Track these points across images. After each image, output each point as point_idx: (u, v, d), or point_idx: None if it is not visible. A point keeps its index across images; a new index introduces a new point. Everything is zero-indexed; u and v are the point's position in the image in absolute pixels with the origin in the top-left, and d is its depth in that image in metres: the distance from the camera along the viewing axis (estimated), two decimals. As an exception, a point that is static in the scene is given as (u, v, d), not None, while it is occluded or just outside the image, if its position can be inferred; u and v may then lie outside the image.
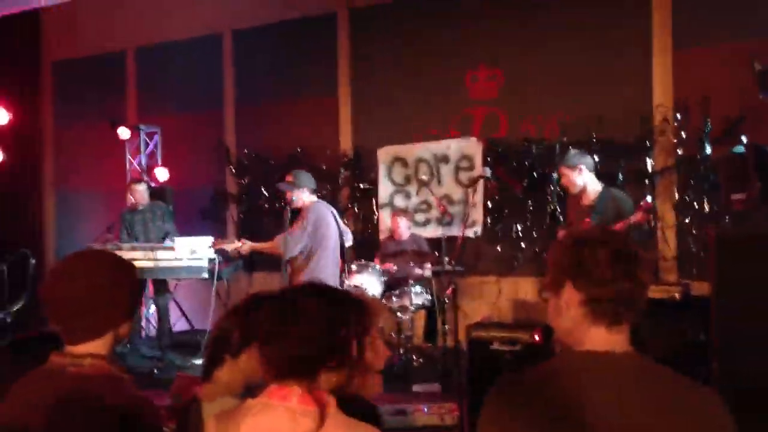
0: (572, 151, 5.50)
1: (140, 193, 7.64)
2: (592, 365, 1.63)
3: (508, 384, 1.71)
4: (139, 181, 7.81)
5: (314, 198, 5.68)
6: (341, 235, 5.74)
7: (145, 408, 1.90)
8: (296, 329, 1.62)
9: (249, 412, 1.63)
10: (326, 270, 5.51)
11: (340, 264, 5.81)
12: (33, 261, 7.99)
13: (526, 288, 7.20)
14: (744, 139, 6.05)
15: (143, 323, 8.63)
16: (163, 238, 7.53)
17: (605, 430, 1.53)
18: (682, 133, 6.57)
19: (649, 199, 5.02)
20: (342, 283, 5.91)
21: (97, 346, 1.93)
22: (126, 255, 6.97)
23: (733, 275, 3.83)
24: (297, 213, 5.71)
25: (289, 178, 5.65)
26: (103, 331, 1.94)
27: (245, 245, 5.72)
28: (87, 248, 6.93)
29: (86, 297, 1.91)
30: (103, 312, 1.93)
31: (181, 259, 7.05)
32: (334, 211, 5.79)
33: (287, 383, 1.62)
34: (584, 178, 5.31)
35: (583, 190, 5.34)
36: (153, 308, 8.20)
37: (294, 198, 5.58)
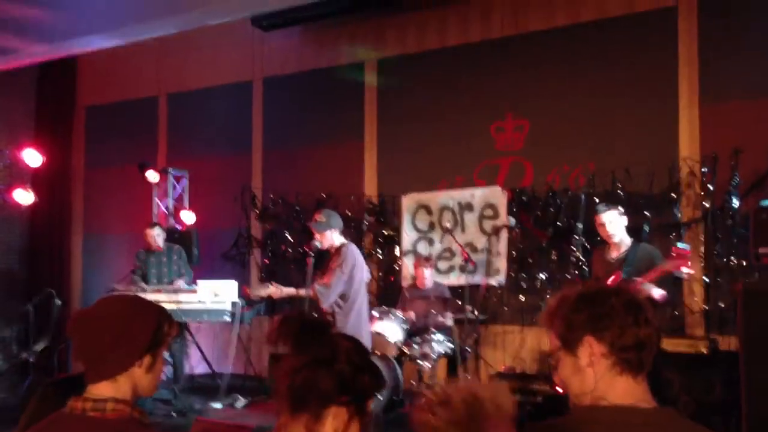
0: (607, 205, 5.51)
1: (154, 237, 7.72)
2: (624, 419, 1.61)
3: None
4: (153, 225, 7.88)
5: (343, 239, 5.47)
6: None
7: None
8: (322, 351, 1.63)
9: None
10: (364, 314, 5.41)
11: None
12: (58, 302, 8.08)
13: (549, 339, 7.09)
14: (772, 192, 6.01)
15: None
16: (179, 278, 7.60)
17: None
18: (710, 185, 6.52)
19: (680, 245, 4.95)
20: None
21: (119, 388, 1.93)
22: (149, 297, 7.09)
23: (761, 329, 3.75)
24: (321, 258, 5.66)
25: (319, 217, 5.42)
26: (122, 369, 1.94)
27: (281, 290, 5.45)
28: (113, 292, 7.03)
29: (101, 338, 1.93)
30: (120, 352, 1.93)
31: (203, 302, 7.08)
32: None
33: (294, 416, 1.61)
34: (623, 229, 5.35)
35: (617, 243, 5.35)
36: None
37: (324, 239, 5.37)
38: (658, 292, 4.97)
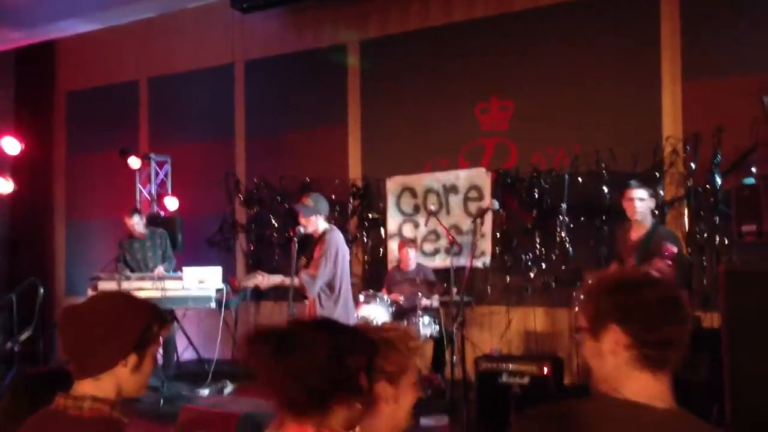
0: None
1: (133, 225, 7.67)
2: (632, 416, 1.59)
3: (541, 419, 1.69)
4: (132, 213, 7.80)
5: (327, 225, 5.41)
6: None
7: None
8: (299, 361, 1.59)
9: None
10: (350, 300, 5.40)
11: None
12: (42, 290, 8.01)
13: (535, 319, 7.13)
14: (754, 170, 6.03)
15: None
16: (161, 264, 7.56)
17: None
18: (692, 164, 6.54)
19: (672, 246, 4.90)
20: None
21: (102, 386, 1.91)
22: (134, 285, 7.10)
23: (743, 308, 3.77)
24: (305, 243, 5.63)
25: (306, 201, 5.36)
26: (106, 367, 1.91)
27: (267, 279, 5.32)
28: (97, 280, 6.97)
29: (88, 333, 1.91)
30: (105, 349, 1.90)
31: (189, 289, 7.05)
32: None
33: (300, 420, 1.59)
34: (648, 211, 5.32)
35: (639, 222, 5.31)
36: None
37: (308, 223, 5.31)
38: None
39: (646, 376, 1.61)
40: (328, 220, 5.56)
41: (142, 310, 1.99)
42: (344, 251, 5.35)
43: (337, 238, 5.34)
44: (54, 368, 2.10)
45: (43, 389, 1.95)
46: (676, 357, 1.63)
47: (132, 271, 7.63)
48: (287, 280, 5.25)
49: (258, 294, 8.10)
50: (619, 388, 1.63)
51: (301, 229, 5.30)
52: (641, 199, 5.30)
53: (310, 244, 5.51)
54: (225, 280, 7.20)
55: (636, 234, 5.32)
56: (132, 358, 1.93)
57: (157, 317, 2.00)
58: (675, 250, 4.85)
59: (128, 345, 1.92)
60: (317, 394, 1.58)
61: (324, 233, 5.32)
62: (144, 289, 7.00)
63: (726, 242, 6.30)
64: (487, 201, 6.96)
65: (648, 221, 5.35)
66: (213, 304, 7.01)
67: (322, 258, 5.17)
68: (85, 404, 1.87)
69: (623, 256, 5.37)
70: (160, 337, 2.03)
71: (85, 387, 1.90)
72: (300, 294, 5.38)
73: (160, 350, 7.92)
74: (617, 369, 1.63)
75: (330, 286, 5.23)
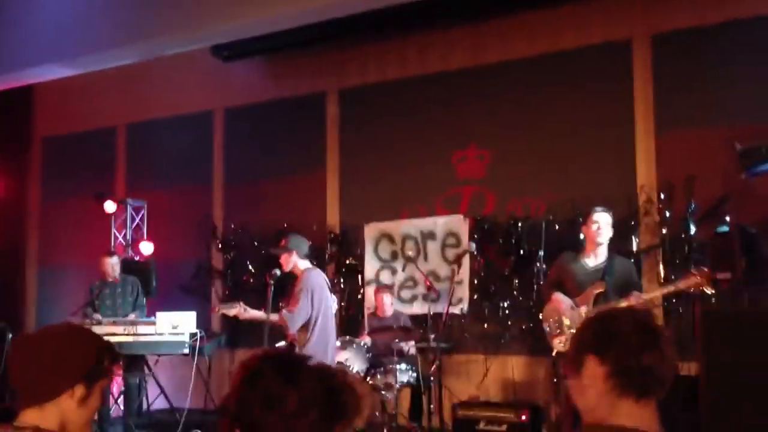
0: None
1: (111, 265, 7.54)
2: None
3: None
4: (111, 254, 7.72)
5: (308, 264, 5.51)
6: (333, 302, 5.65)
7: None
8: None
9: None
10: (328, 338, 5.36)
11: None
12: (10, 335, 7.83)
13: (513, 367, 7.08)
14: (728, 218, 6.12)
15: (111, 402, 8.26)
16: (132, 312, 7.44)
17: None
18: (667, 213, 6.63)
19: (641, 293, 5.00)
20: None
21: (46, 416, 1.85)
22: (105, 329, 6.95)
23: (720, 351, 3.78)
24: (283, 288, 5.60)
25: (283, 243, 5.51)
26: (51, 396, 1.86)
27: (247, 312, 5.42)
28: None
29: (36, 360, 1.87)
30: (51, 376, 1.86)
31: (162, 334, 6.92)
32: (326, 278, 5.70)
33: None
34: (608, 238, 5.31)
35: (598, 249, 5.30)
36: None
37: (286, 262, 5.40)
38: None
39: (629, 404, 1.61)
40: (310, 261, 5.58)
41: (93, 342, 1.96)
42: (322, 291, 5.37)
43: (314, 276, 5.39)
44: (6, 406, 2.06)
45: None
46: (658, 383, 1.62)
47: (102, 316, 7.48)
48: (271, 316, 5.28)
49: (233, 341, 7.98)
50: (607, 418, 1.62)
51: (278, 272, 5.32)
52: (606, 224, 5.30)
53: (288, 285, 5.53)
54: (199, 325, 7.09)
55: (594, 261, 5.29)
56: (79, 390, 1.88)
57: (108, 351, 1.97)
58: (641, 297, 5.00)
59: (76, 374, 1.88)
60: None
61: (303, 271, 5.38)
62: (116, 334, 6.85)
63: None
64: (464, 245, 6.98)
65: (604, 249, 5.33)
66: (186, 350, 6.88)
67: (301, 293, 5.22)
68: None
69: (566, 283, 5.31)
70: (111, 374, 2.00)
71: (29, 417, 1.85)
72: (281, 333, 5.39)
73: (122, 398, 7.73)
74: (601, 399, 1.63)
75: (305, 324, 5.25)
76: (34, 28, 7.43)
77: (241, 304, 5.46)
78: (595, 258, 5.31)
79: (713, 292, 5.23)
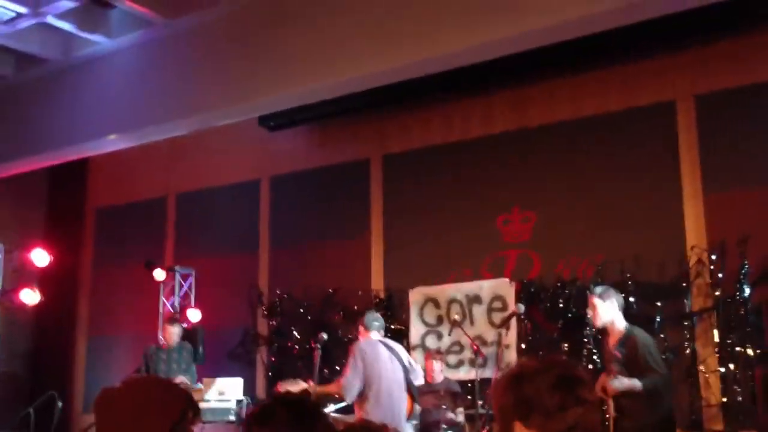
0: (604, 286, 5.28)
1: (172, 334, 7.64)
2: None
3: None
4: (173, 321, 7.82)
5: (373, 335, 5.70)
6: (406, 371, 5.62)
7: None
8: None
9: None
10: (385, 410, 5.36)
11: (408, 403, 5.64)
12: (60, 404, 7.90)
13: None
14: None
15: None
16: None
17: None
18: (719, 274, 6.47)
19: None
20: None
21: None
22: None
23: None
24: (329, 352, 5.66)
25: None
26: None
27: (313, 387, 5.58)
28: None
29: (128, 413, 1.88)
30: (145, 428, 1.87)
31: (208, 401, 6.92)
32: (396, 347, 5.72)
33: None
34: (612, 314, 4.95)
35: (611, 329, 5.00)
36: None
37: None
38: (635, 383, 4.67)
39: None
40: (379, 331, 5.84)
41: (179, 394, 1.97)
42: (374, 358, 5.46)
43: (366, 346, 5.52)
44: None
45: None
46: None
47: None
48: (330, 388, 5.58)
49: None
50: None
51: (325, 336, 5.42)
52: (593, 306, 5.00)
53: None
54: (246, 390, 7.08)
55: (613, 340, 4.96)
56: None
57: (192, 404, 1.97)
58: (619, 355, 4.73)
59: (165, 428, 1.87)
60: None
61: (357, 343, 5.61)
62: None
63: (759, 353, 6.13)
64: (512, 307, 6.88)
65: (619, 325, 4.95)
66: (232, 417, 6.85)
67: (348, 363, 5.42)
68: None
69: (607, 367, 5.02)
70: (194, 426, 1.97)
71: None
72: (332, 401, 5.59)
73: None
74: None
75: (362, 392, 5.37)
76: (90, 103, 7.76)
77: (310, 381, 5.64)
78: (614, 336, 4.95)
79: None
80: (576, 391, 1.55)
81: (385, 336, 7.89)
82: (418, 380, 5.85)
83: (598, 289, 5.11)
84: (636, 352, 4.76)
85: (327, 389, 5.60)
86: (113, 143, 7.94)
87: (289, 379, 6.13)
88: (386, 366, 5.48)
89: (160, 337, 7.71)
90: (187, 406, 1.94)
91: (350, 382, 5.31)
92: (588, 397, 1.56)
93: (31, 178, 9.45)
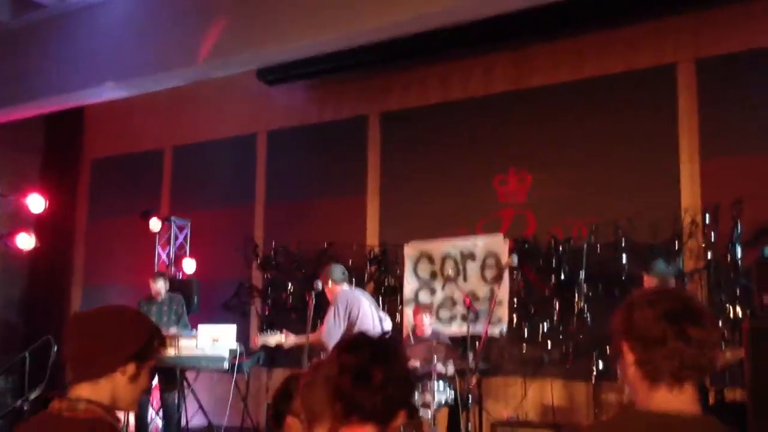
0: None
1: (159, 288, 7.72)
2: (659, 425, 1.57)
3: None
4: (157, 276, 7.86)
5: (344, 287, 5.74)
6: (380, 321, 5.71)
7: None
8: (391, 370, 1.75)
9: None
10: None
11: None
12: (55, 348, 7.96)
13: (552, 390, 6.97)
14: (774, 242, 6.01)
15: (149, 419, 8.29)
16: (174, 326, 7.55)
17: None
18: (712, 235, 6.53)
19: None
20: None
21: (98, 390, 1.94)
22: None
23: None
24: (324, 305, 5.70)
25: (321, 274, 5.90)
26: (105, 371, 1.94)
27: (289, 338, 5.68)
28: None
29: (92, 337, 1.97)
30: (106, 353, 1.95)
31: (202, 349, 6.99)
32: (370, 298, 5.80)
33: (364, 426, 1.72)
34: None
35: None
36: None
37: (324, 288, 5.76)
38: None
39: (661, 389, 1.60)
40: (346, 283, 5.84)
41: (146, 323, 2.06)
42: (358, 304, 5.55)
43: (347, 294, 5.60)
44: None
45: None
46: (689, 369, 1.58)
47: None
48: (310, 337, 5.56)
49: (271, 360, 8.01)
50: (646, 401, 1.62)
51: (320, 285, 5.44)
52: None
53: (327, 304, 5.66)
54: (239, 339, 7.15)
55: None
56: (131, 367, 1.97)
57: (158, 333, 2.06)
58: None
59: (130, 352, 1.97)
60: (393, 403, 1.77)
61: (337, 292, 5.69)
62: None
63: (747, 314, 6.21)
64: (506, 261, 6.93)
65: None
66: (226, 365, 6.92)
67: (330, 310, 5.51)
68: (80, 406, 1.90)
69: None
70: (159, 354, 2.09)
71: (82, 390, 1.93)
72: (317, 353, 5.49)
73: (160, 414, 7.78)
74: (636, 384, 1.64)
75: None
76: (88, 49, 7.70)
77: (284, 331, 5.66)
78: None
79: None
80: (682, 326, 1.57)
81: (377, 291, 8.01)
82: (388, 328, 6.06)
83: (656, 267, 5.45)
84: None
85: (305, 340, 5.65)
86: (110, 91, 7.90)
87: (268, 331, 6.24)
88: (367, 313, 5.59)
89: (154, 291, 7.76)
90: (154, 335, 2.04)
91: (332, 329, 5.41)
92: (694, 335, 1.56)
93: (27, 126, 9.42)
